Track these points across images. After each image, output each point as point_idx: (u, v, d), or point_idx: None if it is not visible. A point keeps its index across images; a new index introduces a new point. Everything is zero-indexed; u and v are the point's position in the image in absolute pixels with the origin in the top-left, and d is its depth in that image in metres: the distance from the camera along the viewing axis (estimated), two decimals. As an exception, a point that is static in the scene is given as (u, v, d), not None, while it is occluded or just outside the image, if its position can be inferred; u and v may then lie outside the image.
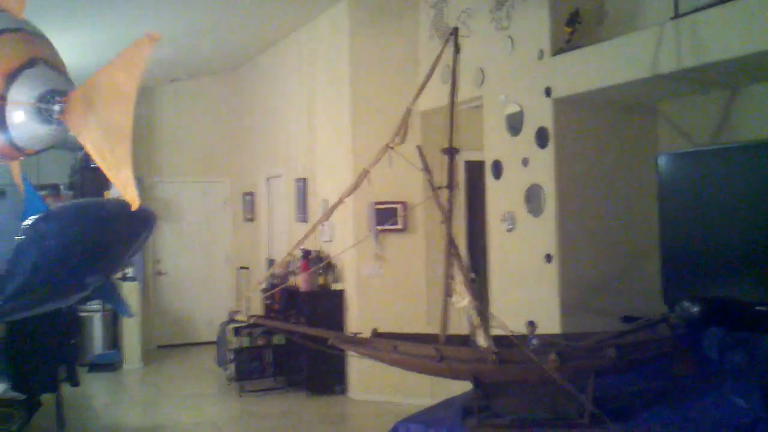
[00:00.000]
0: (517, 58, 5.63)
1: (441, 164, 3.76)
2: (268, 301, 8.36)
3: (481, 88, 6.07)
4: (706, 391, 3.49)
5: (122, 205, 5.25)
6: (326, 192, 8.02)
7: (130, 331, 9.35)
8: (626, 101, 5.31)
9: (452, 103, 3.78)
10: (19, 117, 2.51)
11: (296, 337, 5.06)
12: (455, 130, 3.77)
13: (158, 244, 10.54)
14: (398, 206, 7.27)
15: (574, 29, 5.09)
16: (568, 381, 3.18)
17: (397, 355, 3.45)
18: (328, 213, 3.93)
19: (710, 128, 4.97)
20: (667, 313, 3.72)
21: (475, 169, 6.74)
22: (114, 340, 9.43)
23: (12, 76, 2.47)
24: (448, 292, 3.58)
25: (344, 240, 7.58)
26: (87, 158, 9.87)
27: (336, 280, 7.80)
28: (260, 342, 8.06)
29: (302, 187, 8.58)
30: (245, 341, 7.99)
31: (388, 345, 3.48)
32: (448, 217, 3.64)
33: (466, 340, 3.66)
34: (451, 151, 3.72)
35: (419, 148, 3.87)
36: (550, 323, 5.15)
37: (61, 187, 9.55)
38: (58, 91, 2.52)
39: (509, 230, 5.71)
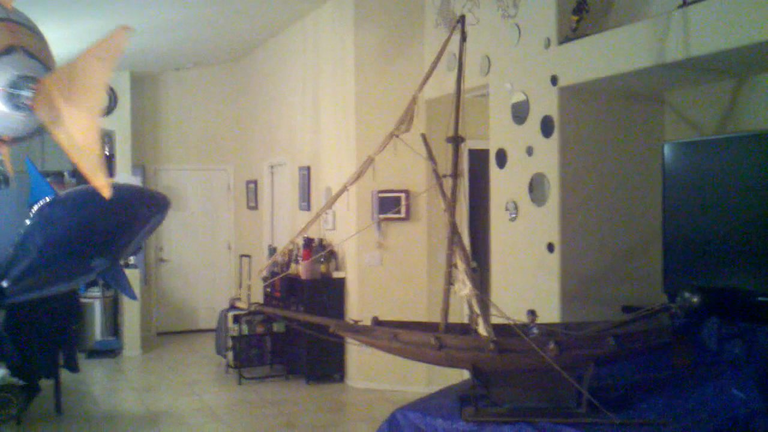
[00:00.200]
0: (523, 47, 5.59)
1: (445, 153, 3.73)
2: (269, 289, 8.35)
3: (486, 76, 6.03)
4: (704, 382, 3.47)
5: (132, 190, 5.31)
6: (330, 180, 7.99)
7: (130, 317, 9.35)
8: (632, 90, 5.27)
9: (458, 91, 3.74)
10: None
11: (296, 324, 5.05)
12: (460, 119, 3.73)
13: (160, 231, 10.52)
14: (401, 195, 7.25)
15: (580, 17, 5.04)
16: (566, 370, 3.16)
17: (397, 343, 3.42)
18: (332, 201, 3.90)
19: (716, 118, 4.93)
20: (668, 303, 3.68)
21: (478, 158, 6.71)
22: (114, 326, 9.43)
23: None
24: (450, 281, 3.55)
25: (347, 228, 7.57)
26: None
27: (337, 269, 7.79)
28: (259, 330, 8.06)
29: (306, 175, 8.56)
30: (245, 329, 8.00)
31: (388, 333, 3.45)
32: (451, 206, 3.61)
33: (466, 329, 3.64)
34: (457, 140, 3.69)
35: (424, 136, 3.84)
36: (551, 312, 5.13)
37: (65, 174, 9.53)
38: (29, 78, 2.53)
39: (512, 219, 5.68)
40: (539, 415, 3.21)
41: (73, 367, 6.89)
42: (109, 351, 9.20)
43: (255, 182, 10.45)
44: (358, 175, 3.78)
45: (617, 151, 5.38)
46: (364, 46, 7.46)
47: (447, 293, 3.59)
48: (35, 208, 4.59)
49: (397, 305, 7.07)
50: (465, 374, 3.55)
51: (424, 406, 3.55)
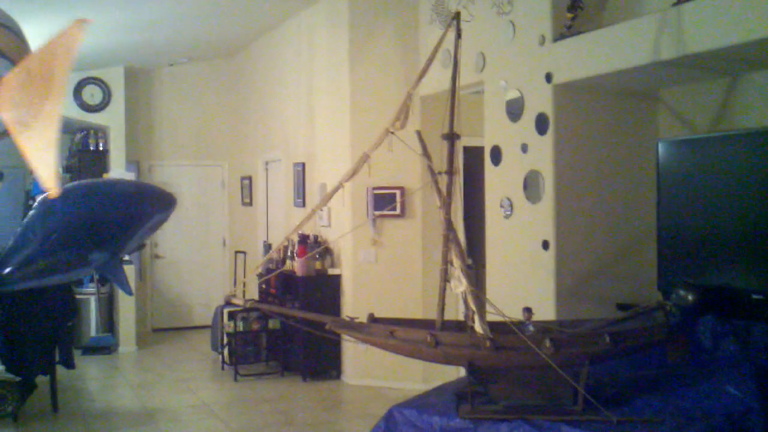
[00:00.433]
0: (518, 44, 5.60)
1: (440, 150, 3.73)
2: (264, 286, 8.35)
3: (481, 73, 6.04)
4: (699, 379, 3.49)
5: (136, 186, 5.34)
6: (324, 176, 7.99)
7: (126, 314, 9.35)
8: (627, 88, 5.28)
9: (454, 88, 3.74)
10: None
11: (292, 321, 5.06)
12: (455, 116, 3.73)
13: (155, 227, 10.51)
14: (397, 192, 7.25)
15: (575, 15, 5.04)
16: (562, 368, 3.17)
17: (394, 340, 3.43)
18: (327, 198, 3.90)
19: (710, 115, 4.95)
20: (663, 300, 3.70)
21: (473, 155, 6.72)
22: (109, 322, 9.42)
23: None
24: (446, 278, 3.56)
25: (342, 225, 7.57)
26: (85, 141, 9.85)
27: (333, 265, 7.79)
28: (255, 326, 8.07)
29: (300, 171, 8.56)
30: (240, 325, 8.00)
31: (384, 330, 3.46)
32: (446, 203, 3.62)
33: (462, 326, 3.65)
34: (452, 137, 3.69)
35: (419, 133, 3.84)
36: (546, 310, 5.14)
37: (59, 169, 9.52)
38: None
39: (507, 216, 5.69)
40: (535, 412, 3.22)
41: (69, 364, 6.88)
42: (104, 347, 9.19)
43: (249, 178, 10.44)
44: (354, 172, 3.78)
45: (612, 149, 5.39)
46: (359, 42, 7.45)
47: (443, 290, 3.60)
48: (38, 198, 4.67)
49: (392, 302, 7.09)
50: (461, 371, 3.57)
51: (421, 403, 3.57)
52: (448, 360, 3.50)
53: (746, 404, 3.21)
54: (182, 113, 10.78)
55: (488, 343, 3.21)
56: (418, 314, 6.87)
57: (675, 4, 4.23)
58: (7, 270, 4.62)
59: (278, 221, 9.48)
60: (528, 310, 3.55)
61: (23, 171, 10.10)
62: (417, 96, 6.88)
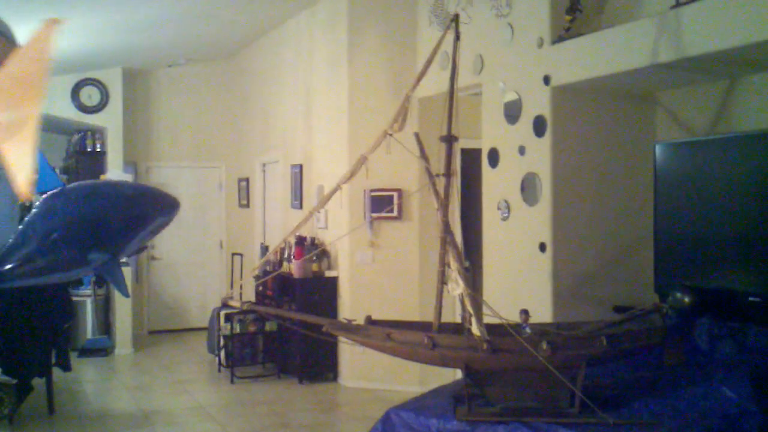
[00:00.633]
0: (516, 46, 5.60)
1: (438, 152, 3.73)
2: (261, 288, 8.34)
3: (479, 75, 6.04)
4: (696, 382, 3.49)
5: (139, 188, 5.36)
6: (322, 178, 7.99)
7: (122, 316, 9.33)
8: (625, 90, 5.29)
9: (452, 90, 3.74)
10: None
11: (289, 323, 5.05)
12: (453, 118, 3.73)
13: (152, 229, 10.49)
14: (394, 193, 7.25)
15: (574, 17, 5.05)
16: (559, 370, 3.17)
17: (391, 342, 3.43)
18: (325, 200, 3.90)
19: (708, 118, 4.95)
20: (659, 303, 3.70)
21: (471, 157, 6.72)
22: (105, 325, 9.41)
23: None
24: (443, 280, 3.55)
25: (339, 227, 7.57)
26: (82, 142, 9.84)
27: (330, 267, 7.78)
28: (252, 328, 8.06)
29: (298, 173, 8.55)
30: (237, 327, 7.99)
31: (381, 332, 3.46)
32: (444, 205, 3.61)
33: (459, 329, 3.65)
34: (450, 139, 3.69)
35: (417, 135, 3.84)
36: (543, 312, 5.14)
37: (57, 170, 9.50)
38: None
39: (504, 219, 5.69)
40: (532, 414, 3.22)
41: (66, 366, 6.87)
42: (101, 349, 9.17)
43: (247, 180, 10.43)
44: (352, 175, 3.77)
45: (609, 151, 5.39)
46: (358, 44, 7.46)
47: (440, 293, 3.59)
48: (42, 197, 4.75)
49: (389, 304, 7.08)
50: (458, 374, 3.56)
51: (418, 405, 3.56)
52: (445, 362, 3.50)
53: (742, 406, 3.21)
54: (180, 115, 10.77)
55: (485, 346, 3.21)
56: (414, 316, 6.86)
57: (673, 7, 4.23)
58: (6, 267, 4.65)
59: (275, 223, 9.47)
60: (525, 313, 3.55)
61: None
62: (415, 98, 6.87)
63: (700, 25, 4.06)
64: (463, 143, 6.38)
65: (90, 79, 9.60)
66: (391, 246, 7.38)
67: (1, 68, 2.42)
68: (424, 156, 3.77)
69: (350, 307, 7.36)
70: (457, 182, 3.82)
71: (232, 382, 7.71)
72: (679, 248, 4.65)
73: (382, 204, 7.21)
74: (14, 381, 6.28)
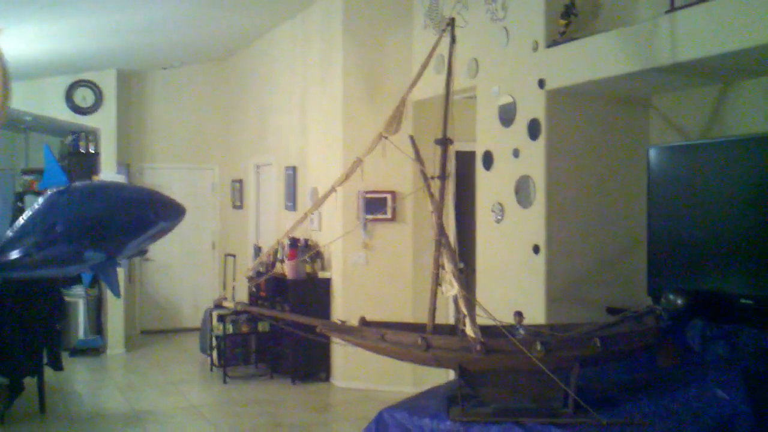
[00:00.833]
0: (511, 50, 5.62)
1: (433, 154, 3.74)
2: (254, 289, 8.33)
3: (474, 78, 6.06)
4: (689, 383, 3.51)
5: (144, 193, 5.37)
6: (316, 180, 7.99)
7: (114, 316, 9.31)
8: (619, 94, 5.32)
9: (447, 94, 3.75)
10: None
11: (283, 324, 5.05)
12: (449, 121, 3.75)
13: (145, 230, 10.46)
14: (388, 195, 7.26)
15: (569, 21, 5.07)
16: (553, 371, 3.18)
17: (384, 343, 3.44)
18: (319, 203, 3.91)
19: (702, 122, 4.98)
20: (653, 304, 3.73)
21: (465, 160, 6.74)
22: (97, 324, 9.38)
23: None
24: (437, 282, 3.56)
25: (333, 228, 7.57)
26: (75, 143, 9.82)
27: (323, 268, 7.79)
28: (244, 329, 8.06)
29: (292, 175, 8.55)
30: (229, 328, 7.98)
31: (375, 333, 3.47)
32: (438, 207, 3.63)
33: (453, 330, 3.66)
34: (445, 142, 3.70)
35: (412, 137, 3.85)
36: (536, 314, 5.16)
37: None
38: None
39: (498, 221, 5.71)
40: (526, 415, 3.23)
41: (57, 366, 6.84)
42: (93, 349, 9.14)
43: (240, 182, 10.43)
44: (347, 177, 3.78)
45: (603, 155, 5.42)
46: (353, 47, 7.47)
47: (434, 294, 3.60)
48: (46, 194, 4.83)
49: (382, 305, 7.08)
50: (452, 374, 3.57)
51: (412, 405, 3.57)
52: (439, 363, 3.51)
53: (735, 407, 3.24)
54: (174, 116, 10.75)
55: (479, 347, 3.22)
56: (407, 318, 6.87)
57: (667, 12, 4.26)
58: (2, 259, 4.70)
59: (269, 225, 9.47)
60: (519, 314, 3.57)
61: (12, 172, 10.08)
62: (410, 101, 6.88)
63: (693, 30, 4.08)
64: (457, 146, 6.39)
65: (84, 80, 9.57)
66: (385, 247, 7.39)
67: None
68: (419, 158, 3.78)
69: (343, 308, 7.36)
70: (451, 185, 3.83)
71: (224, 382, 7.70)
72: (673, 251, 4.68)
73: (376, 206, 7.22)
74: (5, 380, 6.26)
